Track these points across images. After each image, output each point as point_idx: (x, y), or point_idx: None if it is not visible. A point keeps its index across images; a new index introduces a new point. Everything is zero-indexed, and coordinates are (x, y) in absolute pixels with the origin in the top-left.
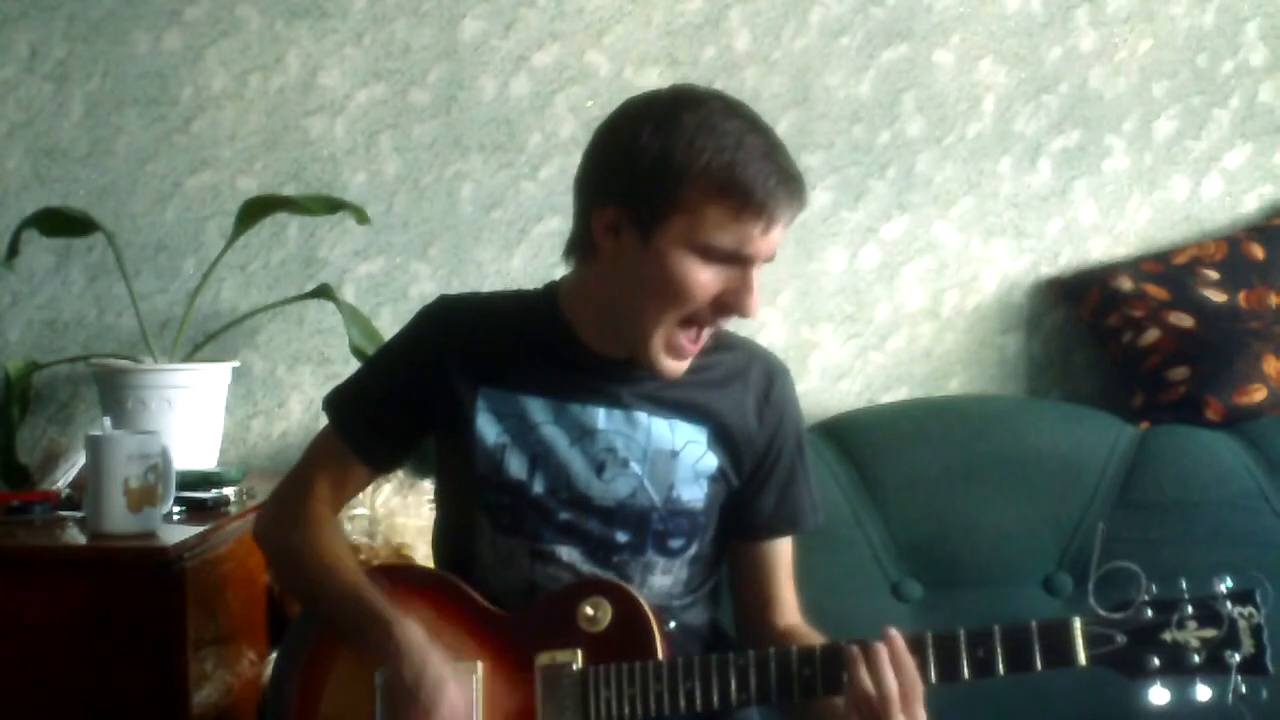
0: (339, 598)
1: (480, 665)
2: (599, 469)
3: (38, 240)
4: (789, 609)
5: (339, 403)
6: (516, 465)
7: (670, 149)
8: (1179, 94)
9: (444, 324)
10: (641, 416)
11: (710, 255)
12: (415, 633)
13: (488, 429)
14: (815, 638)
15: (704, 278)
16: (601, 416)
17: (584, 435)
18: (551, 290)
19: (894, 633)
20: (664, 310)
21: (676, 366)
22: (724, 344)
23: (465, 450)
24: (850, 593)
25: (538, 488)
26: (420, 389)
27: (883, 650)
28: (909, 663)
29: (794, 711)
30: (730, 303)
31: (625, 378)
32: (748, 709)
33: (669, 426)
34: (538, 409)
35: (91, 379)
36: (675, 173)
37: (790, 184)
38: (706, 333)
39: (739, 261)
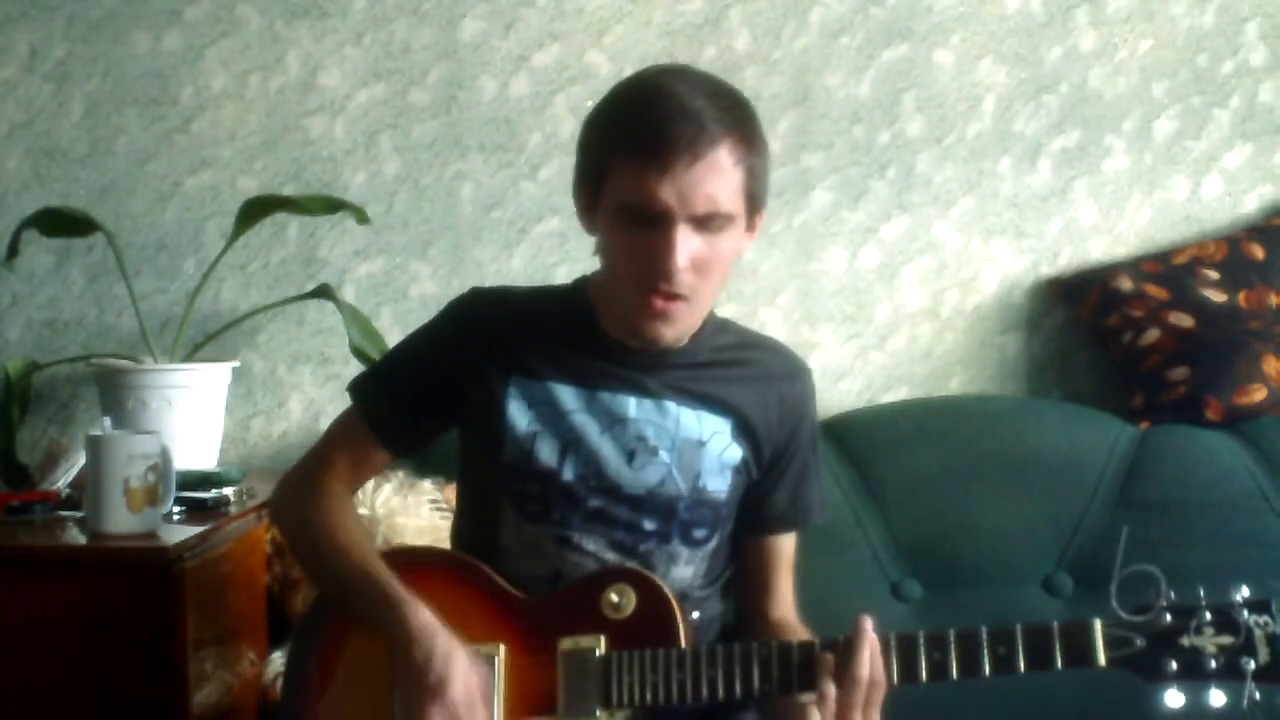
0: (348, 577)
1: (502, 648)
2: (630, 457)
3: (38, 240)
4: (784, 601)
5: (364, 386)
6: (547, 452)
7: (604, 120)
8: (1179, 94)
9: (476, 314)
10: (670, 405)
11: (629, 217)
12: (424, 615)
13: (519, 417)
14: (805, 632)
15: (625, 241)
16: (632, 405)
17: (615, 423)
18: (581, 282)
19: (868, 627)
20: (616, 279)
21: (656, 328)
22: (749, 342)
23: (493, 438)
24: (850, 593)
25: (568, 474)
26: (448, 376)
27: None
28: (879, 661)
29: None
30: (653, 265)
31: (652, 366)
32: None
33: (696, 417)
34: (569, 397)
35: (91, 379)
36: (599, 139)
37: (689, 125)
38: (673, 300)
39: (652, 220)
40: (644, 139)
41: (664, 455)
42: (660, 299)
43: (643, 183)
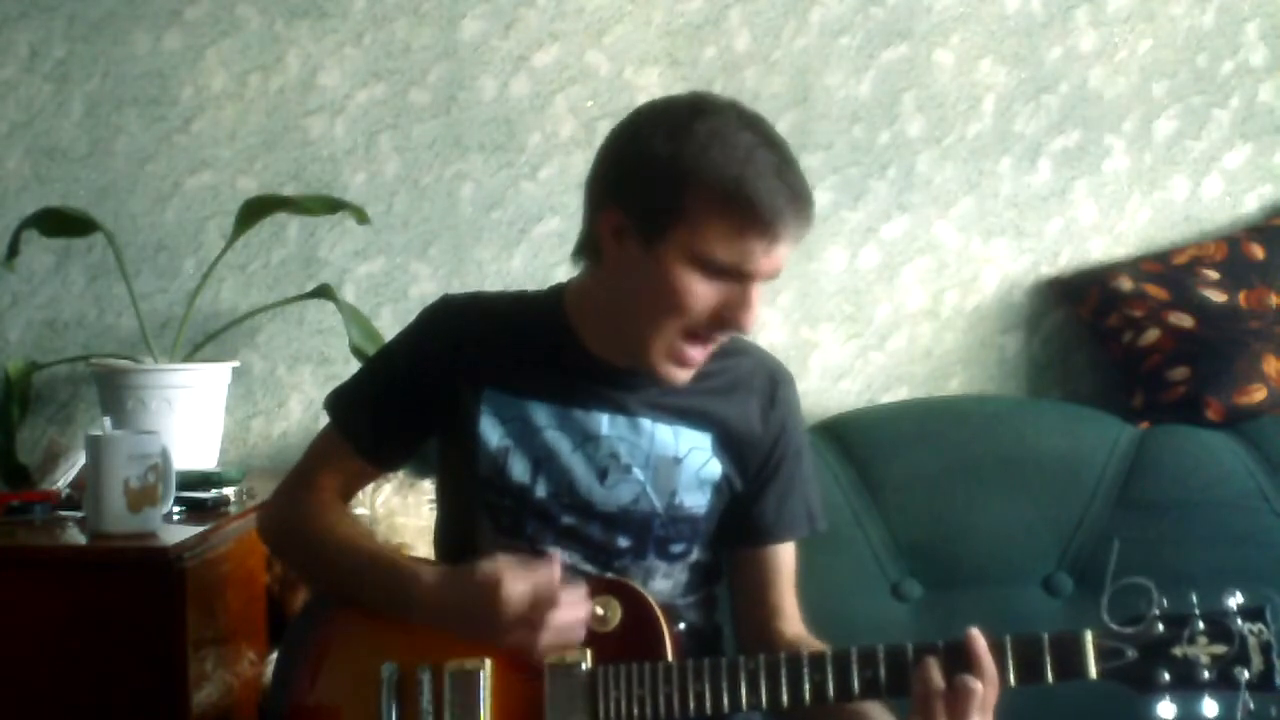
0: (358, 569)
1: (488, 663)
2: (601, 475)
3: (38, 240)
4: (793, 617)
5: (341, 402)
6: (519, 469)
7: (679, 156)
8: (1179, 94)
9: (448, 324)
10: (645, 423)
11: (710, 269)
12: (439, 570)
13: (491, 431)
14: (817, 646)
15: (702, 290)
16: (605, 422)
17: (587, 440)
18: (557, 292)
19: (975, 632)
20: (662, 320)
21: (679, 374)
22: (729, 350)
23: (468, 451)
24: (850, 593)
25: (540, 492)
26: (423, 389)
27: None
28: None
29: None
30: (727, 318)
31: (629, 384)
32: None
33: (673, 433)
34: (541, 413)
35: (91, 379)
36: (681, 181)
37: (797, 203)
38: (711, 345)
39: (740, 277)
40: (760, 208)
41: (638, 473)
42: (699, 348)
43: (745, 245)
